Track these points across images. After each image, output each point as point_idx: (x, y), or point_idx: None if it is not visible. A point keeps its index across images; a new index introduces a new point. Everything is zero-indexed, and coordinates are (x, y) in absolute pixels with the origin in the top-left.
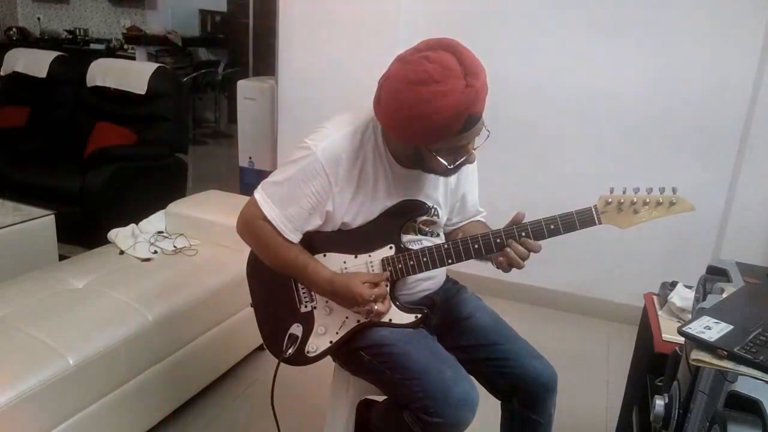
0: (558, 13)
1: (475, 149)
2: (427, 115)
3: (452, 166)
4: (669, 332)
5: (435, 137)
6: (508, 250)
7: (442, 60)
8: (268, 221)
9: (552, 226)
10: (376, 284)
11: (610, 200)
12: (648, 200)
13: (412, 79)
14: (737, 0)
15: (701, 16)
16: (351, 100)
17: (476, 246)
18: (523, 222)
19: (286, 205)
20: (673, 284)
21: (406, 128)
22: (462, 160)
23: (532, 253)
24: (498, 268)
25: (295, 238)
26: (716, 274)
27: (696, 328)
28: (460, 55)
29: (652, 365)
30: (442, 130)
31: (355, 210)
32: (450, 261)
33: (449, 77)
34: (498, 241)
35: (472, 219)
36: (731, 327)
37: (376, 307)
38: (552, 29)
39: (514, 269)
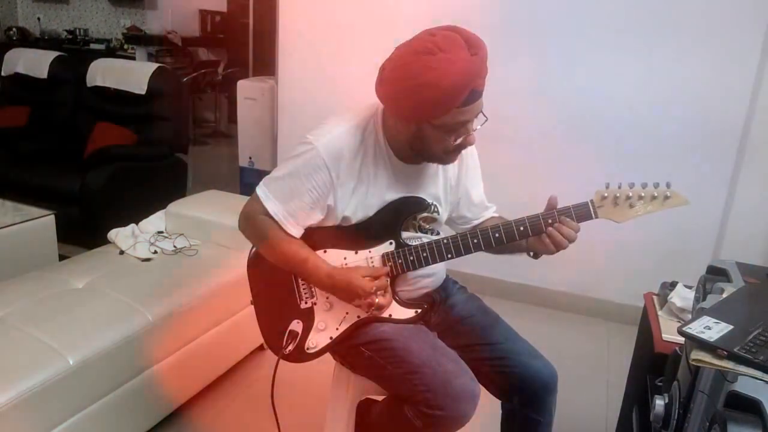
0: (558, 16)
1: (474, 131)
2: (434, 82)
3: (455, 143)
4: (669, 332)
5: (440, 108)
6: (552, 230)
7: (446, 34)
8: (270, 216)
9: (550, 220)
10: (376, 277)
11: (605, 195)
12: (643, 194)
13: (419, 50)
14: (736, 4)
15: (701, 21)
16: (351, 100)
17: (475, 241)
18: (521, 217)
19: (288, 200)
20: (673, 284)
21: (411, 99)
22: (462, 140)
23: (568, 245)
24: (542, 252)
25: (297, 232)
26: (716, 274)
27: (696, 328)
28: (462, 31)
29: (652, 365)
30: (447, 100)
31: (356, 204)
32: (450, 255)
33: (455, 47)
34: (497, 236)
35: (488, 216)
36: (731, 327)
37: (377, 299)
38: (553, 32)
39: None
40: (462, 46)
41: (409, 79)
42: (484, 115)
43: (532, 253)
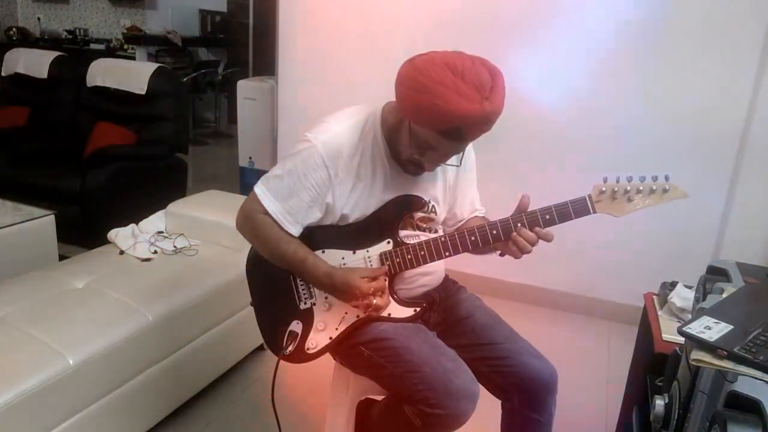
0: (558, 17)
1: (438, 165)
2: (436, 94)
3: (413, 157)
4: (669, 332)
5: (422, 116)
6: (516, 235)
7: (479, 71)
8: (269, 214)
9: (547, 216)
10: (374, 278)
11: (603, 189)
12: (641, 188)
13: (448, 63)
14: (735, 10)
15: (701, 22)
16: (351, 100)
17: (473, 238)
18: (519, 213)
19: (287, 198)
20: (673, 284)
21: (410, 92)
22: (420, 159)
23: (532, 250)
24: (509, 255)
25: (295, 231)
26: (716, 274)
27: (696, 328)
28: (496, 82)
29: (652, 365)
30: (432, 116)
31: (354, 202)
32: (447, 253)
33: (473, 82)
34: (494, 233)
35: (471, 216)
36: (731, 327)
37: (374, 300)
38: (552, 35)
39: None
40: (482, 86)
41: (422, 76)
42: (458, 164)
43: (499, 252)
